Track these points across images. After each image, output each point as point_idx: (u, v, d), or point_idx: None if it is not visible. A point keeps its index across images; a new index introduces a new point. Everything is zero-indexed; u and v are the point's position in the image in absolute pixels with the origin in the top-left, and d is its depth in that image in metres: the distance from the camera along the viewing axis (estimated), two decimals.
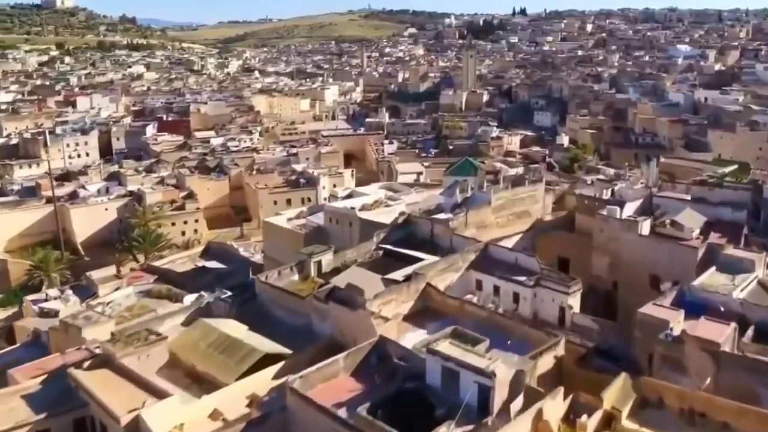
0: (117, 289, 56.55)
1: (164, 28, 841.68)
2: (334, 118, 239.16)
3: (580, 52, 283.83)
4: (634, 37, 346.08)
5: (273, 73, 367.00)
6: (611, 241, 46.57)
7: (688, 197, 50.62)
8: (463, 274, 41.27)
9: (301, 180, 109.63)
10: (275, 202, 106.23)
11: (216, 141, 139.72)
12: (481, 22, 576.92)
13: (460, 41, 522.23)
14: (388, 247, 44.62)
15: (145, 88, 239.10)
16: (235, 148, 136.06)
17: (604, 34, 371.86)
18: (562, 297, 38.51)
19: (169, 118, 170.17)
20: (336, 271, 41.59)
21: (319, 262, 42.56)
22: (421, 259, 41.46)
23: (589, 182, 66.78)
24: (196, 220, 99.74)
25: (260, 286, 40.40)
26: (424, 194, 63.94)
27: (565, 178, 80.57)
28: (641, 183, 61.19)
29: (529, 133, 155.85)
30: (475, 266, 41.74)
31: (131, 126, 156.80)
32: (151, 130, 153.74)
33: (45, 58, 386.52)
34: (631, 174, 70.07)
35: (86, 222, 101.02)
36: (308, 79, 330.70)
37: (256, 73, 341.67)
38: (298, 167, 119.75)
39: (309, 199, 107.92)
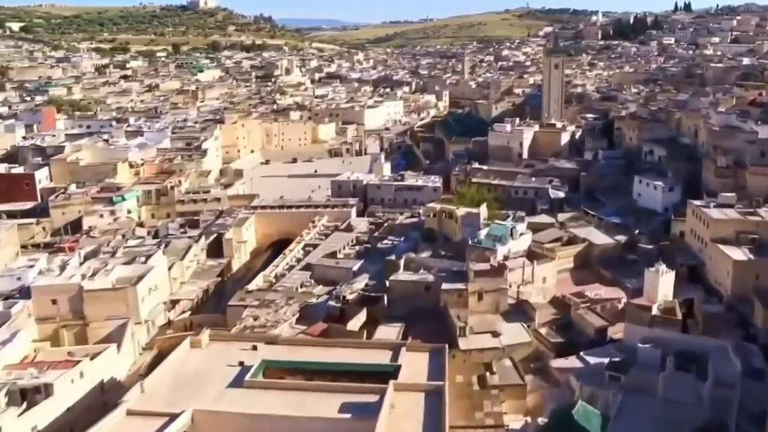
0: None
1: (337, 27, 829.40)
2: (361, 153, 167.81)
3: (745, 61, 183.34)
4: None
5: (355, 81, 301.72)
6: None
7: None
8: None
9: None
10: None
11: None
12: (632, 20, 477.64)
13: (602, 42, 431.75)
14: None
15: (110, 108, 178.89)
16: None
17: None
18: None
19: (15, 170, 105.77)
20: None
21: None
22: None
23: None
24: None
25: None
26: None
27: None
28: None
29: (602, 241, 73.98)
30: None
31: None
32: None
33: (106, 60, 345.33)
34: None
35: None
36: (392, 89, 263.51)
37: (308, 82, 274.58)
38: None
39: None
